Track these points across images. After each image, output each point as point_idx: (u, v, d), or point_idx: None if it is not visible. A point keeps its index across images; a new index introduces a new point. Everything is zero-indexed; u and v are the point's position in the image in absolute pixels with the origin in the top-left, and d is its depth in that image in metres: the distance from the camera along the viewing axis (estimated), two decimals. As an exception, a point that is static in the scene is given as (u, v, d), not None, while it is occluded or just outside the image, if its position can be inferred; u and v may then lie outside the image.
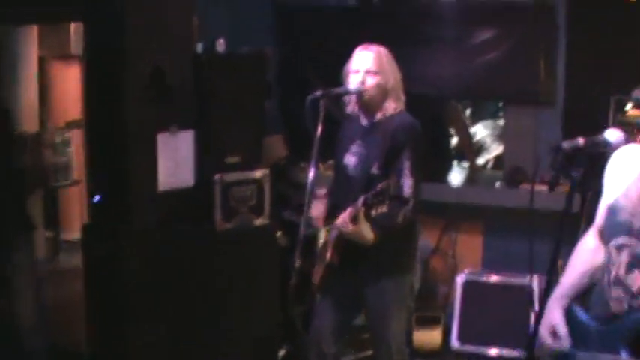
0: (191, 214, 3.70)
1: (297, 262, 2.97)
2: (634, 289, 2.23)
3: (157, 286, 3.55)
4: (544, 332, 2.39)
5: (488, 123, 6.41)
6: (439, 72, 4.78)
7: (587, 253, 2.51)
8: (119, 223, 3.53)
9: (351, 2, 4.99)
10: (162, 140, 3.57)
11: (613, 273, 2.30)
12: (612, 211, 2.37)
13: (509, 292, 4.56)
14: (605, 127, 4.27)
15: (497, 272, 4.63)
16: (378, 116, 3.21)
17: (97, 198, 3.63)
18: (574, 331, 2.38)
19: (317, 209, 3.36)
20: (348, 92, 3.22)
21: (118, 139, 3.50)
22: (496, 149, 6.15)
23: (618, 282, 2.27)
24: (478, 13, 4.66)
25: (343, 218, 3.04)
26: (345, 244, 3.18)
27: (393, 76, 3.21)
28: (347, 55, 4.94)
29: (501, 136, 6.18)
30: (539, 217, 4.55)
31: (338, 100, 3.30)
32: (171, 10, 3.55)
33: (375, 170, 3.14)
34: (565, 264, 4.52)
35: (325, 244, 3.31)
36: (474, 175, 5.36)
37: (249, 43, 4.26)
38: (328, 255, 3.26)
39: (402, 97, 3.25)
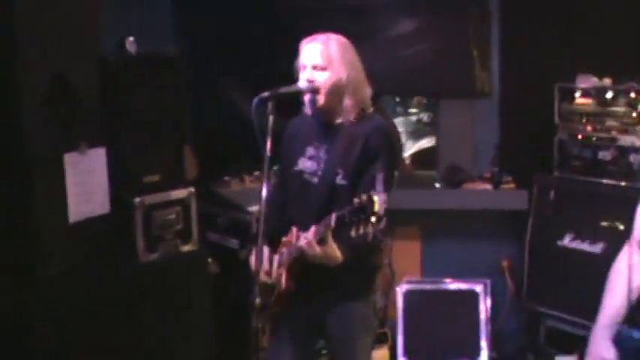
0: (108, 247, 3.12)
1: (257, 300, 2.46)
2: None
3: (72, 339, 2.93)
4: None
5: (400, 120, 6.11)
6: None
7: (632, 269, 2.18)
8: (21, 268, 2.89)
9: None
10: (71, 161, 2.96)
11: None
12: None
13: (454, 299, 4.27)
14: (551, 116, 4.10)
15: (439, 279, 4.32)
16: (339, 119, 2.77)
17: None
18: (629, 354, 2.07)
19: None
20: (298, 91, 2.76)
21: (15, 163, 2.86)
22: (411, 147, 5.86)
23: None
24: (402, 1, 4.30)
25: (308, 239, 2.59)
26: (301, 265, 2.73)
27: (347, 68, 2.74)
28: (258, 51, 4.45)
29: (415, 133, 5.91)
30: (481, 217, 4.37)
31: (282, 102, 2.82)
32: (71, 5, 2.95)
33: (340, 180, 2.69)
34: (511, 264, 4.36)
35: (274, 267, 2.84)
36: (405, 175, 5.01)
37: (146, 42, 3.69)
38: (283, 281, 2.79)
39: (366, 93, 2.80)
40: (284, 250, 2.81)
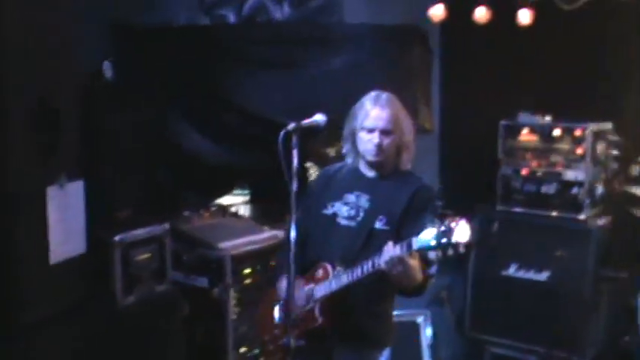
0: (83, 289, 2.83)
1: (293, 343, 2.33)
2: None
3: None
4: None
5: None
6: (300, 100, 4.32)
7: None
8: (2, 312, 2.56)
9: (203, 21, 4.29)
10: (52, 195, 2.67)
11: None
12: None
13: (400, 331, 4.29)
14: (493, 152, 4.26)
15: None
16: (388, 170, 2.82)
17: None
18: None
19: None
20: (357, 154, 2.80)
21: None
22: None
23: None
24: (344, 36, 4.30)
25: (393, 253, 2.51)
26: (335, 302, 2.69)
27: (408, 128, 2.83)
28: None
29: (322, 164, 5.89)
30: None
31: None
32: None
33: (379, 224, 2.75)
34: (450, 295, 4.46)
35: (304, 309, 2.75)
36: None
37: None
38: (319, 321, 2.71)
39: (414, 145, 2.88)
40: (313, 286, 2.75)
